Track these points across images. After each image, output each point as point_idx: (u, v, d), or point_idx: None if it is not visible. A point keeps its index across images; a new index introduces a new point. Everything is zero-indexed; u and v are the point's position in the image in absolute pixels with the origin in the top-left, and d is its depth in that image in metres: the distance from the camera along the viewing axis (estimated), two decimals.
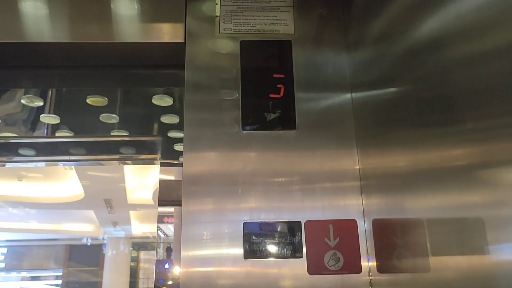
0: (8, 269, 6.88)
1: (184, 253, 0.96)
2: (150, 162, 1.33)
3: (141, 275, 5.27)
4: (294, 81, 1.09)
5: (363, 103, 1.06)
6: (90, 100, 1.36)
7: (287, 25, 1.13)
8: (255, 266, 0.97)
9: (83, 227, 5.76)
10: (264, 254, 0.97)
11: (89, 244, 6.20)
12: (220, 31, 1.12)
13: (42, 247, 6.51)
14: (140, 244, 5.50)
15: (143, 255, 5.40)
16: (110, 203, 4.24)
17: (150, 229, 5.03)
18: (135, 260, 5.45)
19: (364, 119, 1.05)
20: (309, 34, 1.15)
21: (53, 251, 6.53)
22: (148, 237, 5.26)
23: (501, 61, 0.56)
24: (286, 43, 1.12)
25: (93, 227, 5.67)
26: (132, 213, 4.77)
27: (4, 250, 6.57)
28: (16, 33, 1.09)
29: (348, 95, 1.11)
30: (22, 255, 6.68)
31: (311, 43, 1.14)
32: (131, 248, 5.54)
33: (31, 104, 1.36)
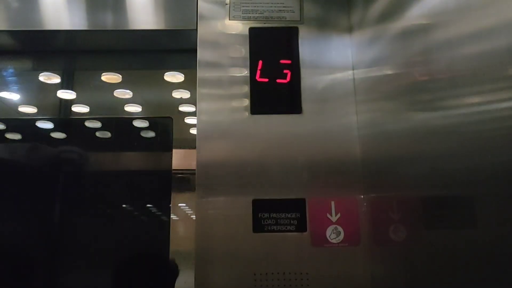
0: None
1: (198, 230, 1.05)
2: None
3: None
4: (300, 67, 1.15)
5: (364, 81, 1.11)
6: (105, 78, 1.42)
7: (294, 12, 1.18)
8: (263, 239, 1.06)
9: None
10: (272, 228, 1.06)
11: None
12: (230, 18, 1.17)
13: None
14: None
15: None
16: None
17: None
18: None
19: (365, 98, 1.11)
20: (315, 20, 1.19)
21: None
22: None
23: (477, 46, 0.62)
24: (293, 29, 1.17)
25: None
26: None
27: None
28: (37, 22, 1.15)
29: (350, 73, 1.16)
30: None
31: (316, 28, 1.19)
32: None
33: (49, 81, 1.42)
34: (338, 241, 1.06)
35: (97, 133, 1.41)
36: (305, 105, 1.13)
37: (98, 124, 1.40)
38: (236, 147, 1.11)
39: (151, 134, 1.41)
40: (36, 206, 1.30)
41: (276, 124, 1.12)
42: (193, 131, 1.29)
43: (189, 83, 1.35)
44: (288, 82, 1.14)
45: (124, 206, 1.41)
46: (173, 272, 1.25)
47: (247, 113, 1.12)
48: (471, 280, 0.68)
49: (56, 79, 1.40)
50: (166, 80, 1.35)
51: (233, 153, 1.10)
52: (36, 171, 1.36)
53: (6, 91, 1.39)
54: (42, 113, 1.35)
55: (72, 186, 1.33)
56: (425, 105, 0.81)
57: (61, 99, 1.40)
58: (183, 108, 1.38)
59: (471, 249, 0.68)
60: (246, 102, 1.13)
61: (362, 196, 1.09)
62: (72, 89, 1.37)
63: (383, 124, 1.02)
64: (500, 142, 0.59)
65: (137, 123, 1.40)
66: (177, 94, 1.40)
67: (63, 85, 1.38)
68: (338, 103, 1.15)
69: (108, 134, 1.41)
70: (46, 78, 1.40)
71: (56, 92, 1.38)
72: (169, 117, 1.29)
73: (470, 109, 0.66)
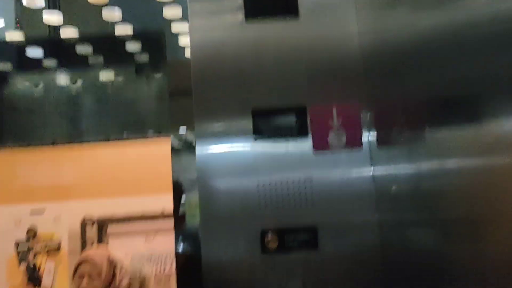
0: None
1: (198, 137, 1.04)
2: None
3: None
4: None
5: None
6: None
7: None
8: (264, 145, 1.05)
9: None
10: (273, 134, 1.05)
11: None
12: None
13: None
14: None
15: None
16: None
17: None
18: None
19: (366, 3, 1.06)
20: None
21: None
22: None
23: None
24: None
25: None
26: None
27: None
28: None
29: None
30: None
31: None
32: None
33: (33, 6, 1.36)
34: (340, 145, 1.05)
35: (89, 59, 1.37)
36: (302, 9, 1.08)
37: (89, 49, 1.36)
38: (233, 57, 1.07)
39: (144, 56, 1.37)
40: None
41: (273, 29, 1.07)
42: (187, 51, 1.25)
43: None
44: None
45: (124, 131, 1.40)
46: (179, 192, 1.26)
47: (241, 22, 1.07)
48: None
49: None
50: None
51: (229, 64, 1.07)
52: None
53: None
54: (29, 37, 1.31)
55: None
56: (430, 5, 0.77)
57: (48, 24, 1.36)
58: (175, 25, 1.34)
59: (473, 143, 0.69)
60: (240, 15, 1.07)
61: (364, 101, 1.06)
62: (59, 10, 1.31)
63: (385, 31, 0.98)
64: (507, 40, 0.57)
65: (130, 46, 1.36)
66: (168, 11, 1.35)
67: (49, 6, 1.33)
68: (337, 9, 1.09)
69: (100, 59, 1.37)
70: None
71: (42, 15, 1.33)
72: (161, 31, 1.24)
73: (478, 9, 0.63)
